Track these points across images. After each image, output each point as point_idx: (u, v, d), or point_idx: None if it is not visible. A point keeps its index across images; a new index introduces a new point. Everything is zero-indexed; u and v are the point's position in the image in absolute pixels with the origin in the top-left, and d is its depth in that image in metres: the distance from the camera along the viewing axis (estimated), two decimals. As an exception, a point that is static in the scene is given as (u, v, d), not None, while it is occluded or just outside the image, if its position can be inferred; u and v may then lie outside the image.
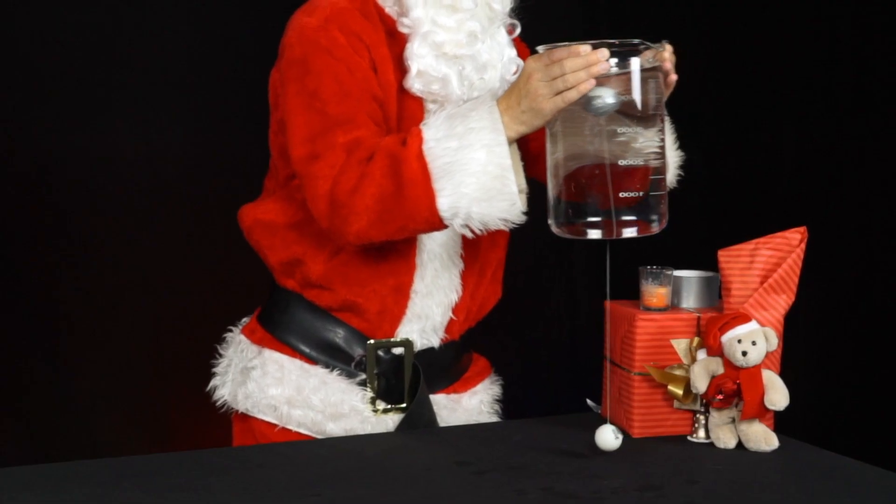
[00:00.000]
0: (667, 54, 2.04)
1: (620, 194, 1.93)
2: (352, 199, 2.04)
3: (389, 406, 2.25)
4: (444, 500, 1.75)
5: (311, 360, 2.25)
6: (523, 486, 1.81)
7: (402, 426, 2.22)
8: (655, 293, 2.13)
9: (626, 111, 1.94)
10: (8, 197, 3.62)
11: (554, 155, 1.99)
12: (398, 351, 2.25)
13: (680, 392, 2.06)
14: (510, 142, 2.02)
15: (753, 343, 1.99)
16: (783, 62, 3.74)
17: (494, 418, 2.44)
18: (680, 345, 2.10)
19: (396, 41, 2.18)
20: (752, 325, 2.01)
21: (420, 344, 2.27)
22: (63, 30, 3.67)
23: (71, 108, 3.68)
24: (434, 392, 2.29)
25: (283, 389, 2.23)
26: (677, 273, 2.18)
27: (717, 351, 2.02)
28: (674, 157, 2.34)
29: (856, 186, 3.60)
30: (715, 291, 2.17)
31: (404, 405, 2.25)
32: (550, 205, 2.01)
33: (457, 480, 1.84)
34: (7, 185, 3.63)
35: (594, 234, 1.95)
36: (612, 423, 1.99)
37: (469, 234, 2.05)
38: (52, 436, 3.65)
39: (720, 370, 2.02)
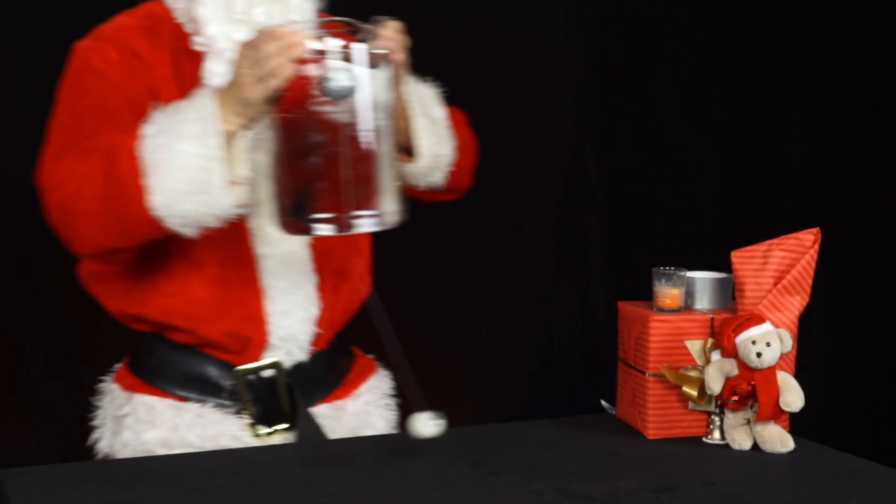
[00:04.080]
0: (388, 32, 1.93)
1: (349, 188, 1.85)
2: (75, 205, 1.96)
3: (272, 429, 2.18)
4: (459, 501, 1.75)
5: (183, 399, 2.17)
6: (539, 486, 1.81)
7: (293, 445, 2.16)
8: (669, 294, 2.13)
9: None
10: None
11: (275, 147, 1.90)
12: (268, 373, 2.17)
13: (695, 393, 2.06)
14: (232, 134, 1.92)
15: (768, 344, 1.99)
16: (795, 62, 3.74)
17: (387, 413, 2.36)
18: (694, 346, 2.10)
19: (193, 58, 2.11)
20: (767, 327, 2.01)
21: (288, 362, 2.18)
22: None
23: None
24: (313, 404, 2.22)
25: (157, 432, 2.15)
26: (690, 274, 2.17)
27: (731, 352, 2.02)
28: (430, 148, 2.16)
29: (869, 188, 3.60)
30: (728, 292, 2.17)
31: (287, 426, 2.18)
32: (274, 202, 1.91)
33: (472, 481, 1.85)
34: None
35: (323, 229, 1.87)
36: (429, 414, 1.91)
37: (190, 234, 1.96)
38: (66, 436, 3.66)
39: (734, 371, 2.02)
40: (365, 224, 1.88)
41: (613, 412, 2.26)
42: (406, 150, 2.13)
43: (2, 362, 3.42)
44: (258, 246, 2.13)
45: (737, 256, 2.08)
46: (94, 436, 2.27)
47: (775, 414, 2.01)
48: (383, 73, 1.89)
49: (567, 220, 3.88)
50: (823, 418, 3.46)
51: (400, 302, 3.55)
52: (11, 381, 3.50)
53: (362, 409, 2.31)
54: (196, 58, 2.10)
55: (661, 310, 2.13)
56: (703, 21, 3.84)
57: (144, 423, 2.17)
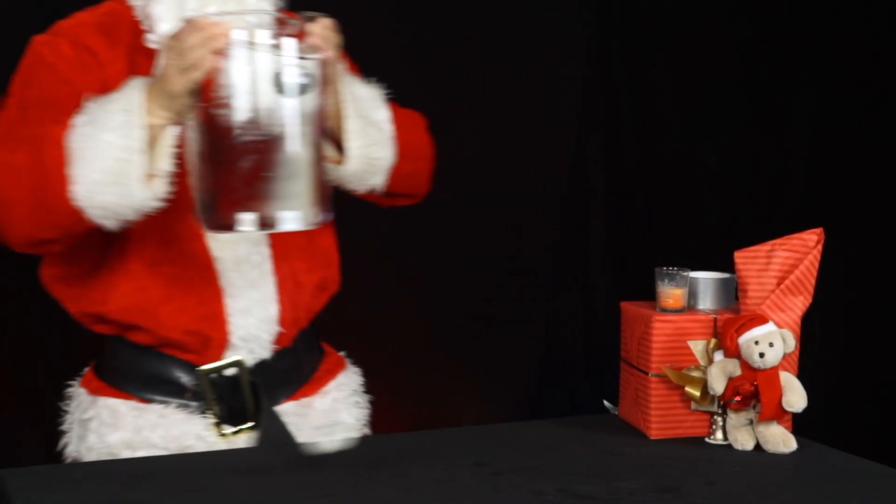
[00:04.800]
0: (318, 29, 1.91)
1: (271, 186, 1.83)
2: (4, 194, 1.95)
3: (237, 428, 2.16)
4: (461, 501, 1.75)
5: (147, 400, 2.16)
6: (541, 486, 1.80)
7: (257, 446, 2.14)
8: (672, 294, 2.12)
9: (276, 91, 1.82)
10: None
11: (197, 143, 1.88)
12: (231, 372, 2.16)
13: (697, 394, 2.06)
14: (158, 128, 1.90)
15: (771, 345, 1.99)
16: (798, 62, 3.74)
17: (356, 410, 2.34)
18: (697, 346, 2.10)
19: (149, 56, 2.09)
20: (770, 327, 2.01)
21: (251, 360, 2.17)
22: None
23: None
24: (279, 402, 2.21)
25: (120, 434, 2.14)
26: (694, 274, 2.17)
27: (734, 352, 2.02)
28: (361, 151, 2.11)
29: (872, 187, 3.60)
30: (731, 293, 2.17)
31: (252, 425, 2.16)
32: (196, 198, 1.90)
33: (474, 481, 1.84)
34: None
35: (245, 227, 1.85)
36: None
37: (111, 227, 1.95)
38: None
39: (737, 372, 2.02)
40: (287, 222, 1.86)
41: (616, 412, 2.26)
42: (341, 150, 2.11)
43: (3, 362, 3.42)
44: (216, 246, 2.12)
45: (740, 256, 2.08)
46: (63, 440, 2.26)
47: (778, 414, 2.01)
48: (317, 68, 1.87)
49: (569, 220, 3.87)
50: (826, 419, 3.46)
51: (401, 302, 3.58)
52: (12, 381, 3.50)
53: (330, 407, 2.29)
54: (151, 55, 2.08)
55: (664, 310, 2.12)
56: (705, 21, 3.84)
57: (108, 426, 2.16)
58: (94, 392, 2.21)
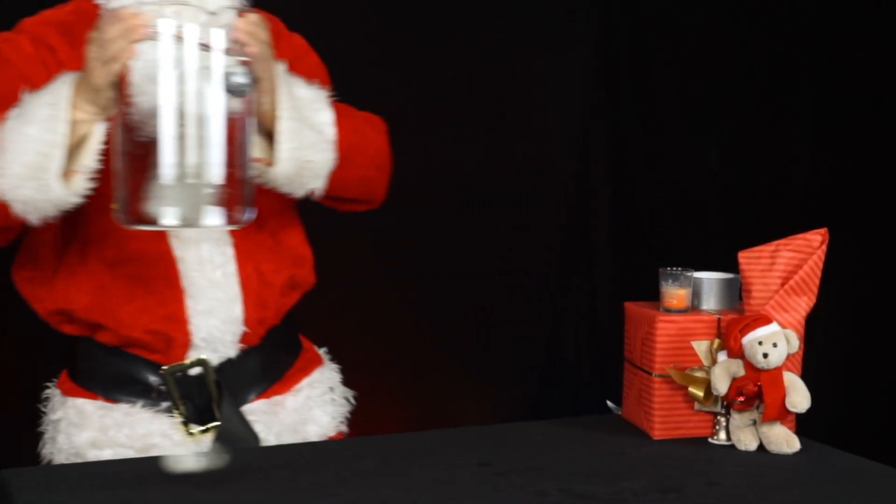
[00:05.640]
0: (241, 24, 1.88)
1: (191, 183, 1.80)
2: None
3: (205, 427, 2.15)
4: (463, 501, 1.75)
5: (114, 400, 2.16)
6: (544, 487, 1.80)
7: (214, 447, 2.10)
8: (675, 295, 2.12)
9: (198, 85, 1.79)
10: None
11: (121, 138, 1.85)
12: (196, 371, 2.15)
13: (700, 394, 2.06)
14: (86, 122, 1.89)
15: (774, 345, 1.98)
16: (800, 60, 3.73)
17: (332, 408, 2.32)
18: (700, 346, 2.09)
19: None
20: (774, 327, 2.01)
21: (216, 359, 2.16)
22: None
23: None
24: (249, 401, 2.21)
25: (87, 434, 2.14)
26: (697, 274, 2.17)
27: (737, 353, 2.02)
28: (291, 153, 2.06)
29: (877, 187, 3.59)
30: (735, 293, 2.17)
31: (219, 423, 2.15)
32: (117, 193, 1.86)
33: (476, 481, 1.84)
34: None
35: (166, 224, 1.82)
36: None
37: (33, 221, 1.94)
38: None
39: (741, 372, 2.01)
40: (207, 220, 1.84)
41: (619, 413, 2.26)
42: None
43: (3, 362, 3.42)
44: (178, 245, 2.11)
45: (744, 257, 2.07)
46: (41, 442, 2.26)
47: (781, 415, 2.01)
48: (235, 67, 1.83)
49: (572, 220, 3.87)
50: (829, 419, 3.45)
51: (405, 302, 3.58)
52: (13, 381, 3.50)
53: (303, 405, 2.27)
54: None
55: (668, 310, 2.12)
56: (708, 20, 3.83)
57: (75, 427, 2.16)
58: (66, 393, 2.22)
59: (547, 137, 3.78)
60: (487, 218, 3.67)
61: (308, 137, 2.07)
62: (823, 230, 2.07)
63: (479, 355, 3.75)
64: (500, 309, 3.76)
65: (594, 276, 3.92)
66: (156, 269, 2.11)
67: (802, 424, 2.09)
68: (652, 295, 2.17)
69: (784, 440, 2.01)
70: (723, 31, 3.83)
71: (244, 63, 1.85)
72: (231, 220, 1.87)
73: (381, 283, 3.51)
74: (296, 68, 2.16)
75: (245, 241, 2.16)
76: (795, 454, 2.01)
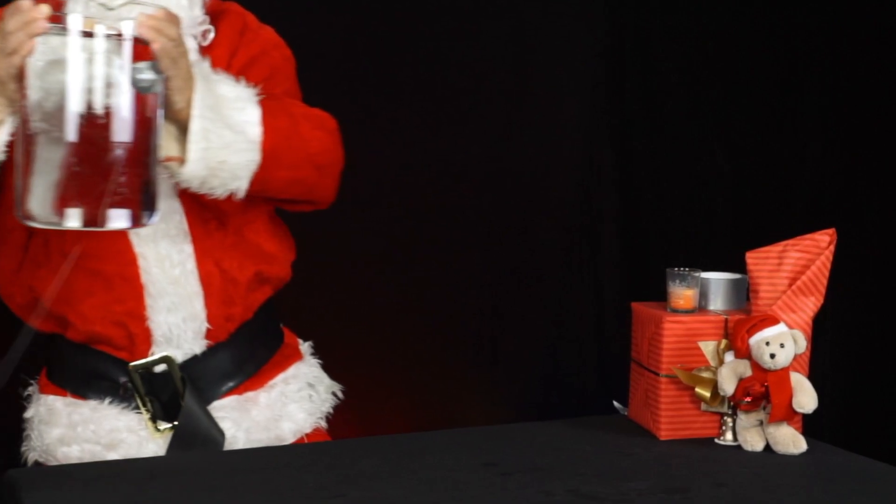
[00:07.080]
0: (145, 19, 1.82)
1: (94, 182, 1.78)
2: None
3: (172, 424, 2.14)
4: (469, 501, 1.75)
5: (83, 397, 2.16)
6: (549, 487, 1.80)
7: (173, 445, 2.13)
8: (683, 295, 2.12)
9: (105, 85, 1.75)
10: None
11: (24, 135, 1.81)
12: (160, 369, 2.14)
13: (707, 394, 2.06)
14: None
15: (782, 345, 1.98)
16: (807, 60, 3.72)
17: (308, 404, 2.29)
18: (707, 347, 2.09)
19: None
20: (781, 328, 2.00)
21: (181, 356, 2.15)
22: None
23: None
24: (219, 397, 2.19)
25: (56, 431, 2.15)
26: (705, 275, 2.16)
27: (744, 353, 2.01)
28: (201, 153, 1.98)
29: (885, 187, 3.58)
30: (743, 293, 2.16)
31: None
32: (17, 189, 1.82)
33: (483, 481, 1.84)
34: None
35: (69, 223, 1.79)
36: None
37: None
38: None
39: (748, 372, 2.01)
40: (113, 221, 1.82)
41: (626, 413, 2.25)
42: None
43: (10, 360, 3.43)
44: (137, 242, 2.11)
45: (751, 257, 2.07)
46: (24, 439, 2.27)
47: (788, 415, 2.01)
48: (140, 64, 1.79)
49: (579, 220, 3.87)
50: (836, 420, 3.45)
51: (410, 302, 3.58)
52: (18, 381, 3.51)
53: (277, 400, 2.25)
54: None
55: (675, 310, 2.12)
56: (715, 21, 3.83)
57: (45, 424, 2.17)
58: (41, 391, 2.23)
59: (553, 138, 3.78)
60: (495, 218, 3.67)
61: (224, 137, 1.99)
62: (831, 230, 2.06)
63: (485, 355, 3.74)
64: (506, 309, 3.76)
65: (601, 275, 3.92)
66: (115, 266, 2.11)
67: (809, 425, 2.09)
68: (659, 295, 2.16)
69: (791, 441, 2.01)
70: (729, 31, 3.83)
71: (150, 59, 1.81)
72: (135, 220, 1.84)
73: (386, 282, 3.51)
74: (257, 63, 2.14)
75: (205, 239, 2.14)
76: (802, 455, 2.00)
